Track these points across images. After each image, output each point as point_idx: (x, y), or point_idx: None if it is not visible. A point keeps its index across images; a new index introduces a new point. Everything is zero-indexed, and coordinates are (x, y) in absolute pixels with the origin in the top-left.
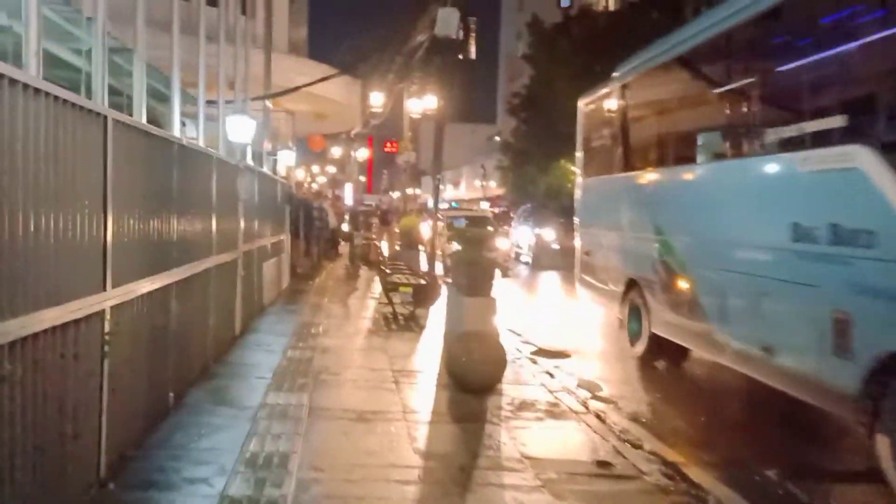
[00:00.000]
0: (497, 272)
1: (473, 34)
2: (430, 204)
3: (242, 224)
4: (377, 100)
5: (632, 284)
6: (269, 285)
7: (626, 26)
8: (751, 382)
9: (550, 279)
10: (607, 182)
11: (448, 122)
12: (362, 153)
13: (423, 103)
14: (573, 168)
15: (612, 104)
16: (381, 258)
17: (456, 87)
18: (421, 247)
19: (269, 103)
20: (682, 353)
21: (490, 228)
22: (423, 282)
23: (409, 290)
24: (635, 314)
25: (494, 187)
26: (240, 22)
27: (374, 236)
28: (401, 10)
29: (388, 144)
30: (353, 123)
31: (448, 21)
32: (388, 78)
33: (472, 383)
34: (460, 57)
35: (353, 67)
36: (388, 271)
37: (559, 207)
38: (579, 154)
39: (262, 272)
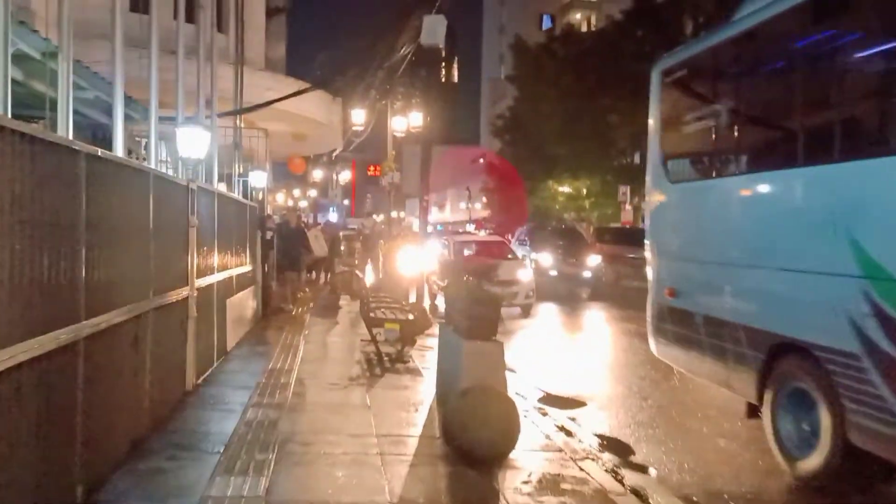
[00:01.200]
0: (517, 310)
1: (455, 57)
2: (415, 226)
3: (195, 256)
4: (359, 117)
5: (787, 354)
6: (235, 324)
7: (612, 45)
8: None
9: (549, 310)
10: (724, 187)
11: (432, 143)
12: (345, 175)
13: (408, 121)
14: (561, 188)
15: (731, 65)
16: (364, 289)
17: (441, 105)
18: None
19: (240, 122)
20: None
21: (510, 257)
22: (410, 317)
23: (396, 326)
24: (797, 405)
25: (480, 209)
26: (209, 36)
27: (356, 263)
28: (384, 27)
29: (372, 168)
30: (335, 144)
31: (434, 29)
32: (370, 95)
33: (477, 454)
34: (443, 80)
35: (329, 82)
36: (371, 304)
37: (558, 229)
38: (655, 149)
39: (224, 310)
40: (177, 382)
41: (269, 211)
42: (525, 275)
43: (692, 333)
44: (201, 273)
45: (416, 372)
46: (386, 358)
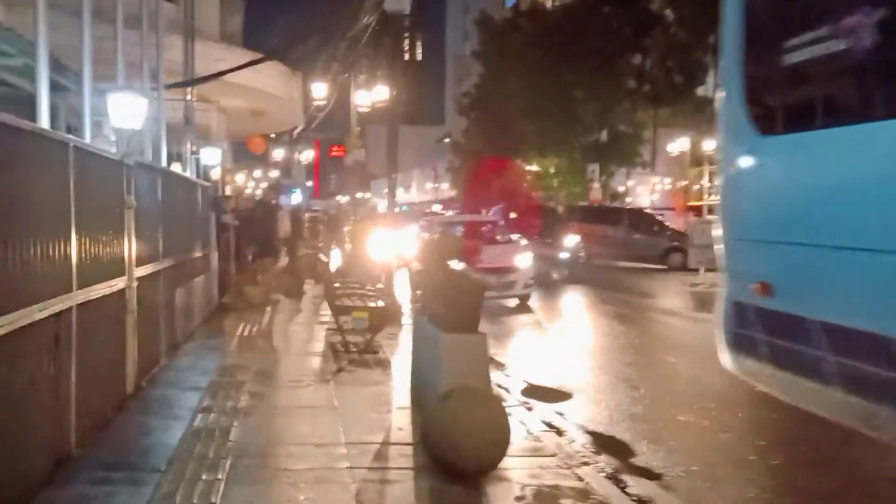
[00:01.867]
0: (514, 301)
1: (420, 36)
2: (381, 207)
3: (133, 242)
4: (320, 91)
5: None
6: (187, 315)
7: (578, 21)
8: None
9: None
10: (864, 137)
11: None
12: (307, 154)
13: (372, 95)
14: (528, 167)
15: None
16: (327, 272)
17: (406, 78)
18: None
19: (192, 96)
20: None
21: (505, 239)
22: (380, 303)
23: (364, 315)
24: None
25: (447, 189)
26: (154, 4)
27: (320, 245)
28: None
29: (335, 148)
30: (296, 121)
31: None
32: (332, 67)
33: (462, 466)
34: (407, 58)
35: (285, 51)
36: (336, 291)
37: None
38: (733, 88)
39: (173, 300)
40: (114, 386)
41: (227, 191)
42: (523, 260)
43: (804, 348)
44: (142, 260)
45: (387, 364)
46: (354, 349)
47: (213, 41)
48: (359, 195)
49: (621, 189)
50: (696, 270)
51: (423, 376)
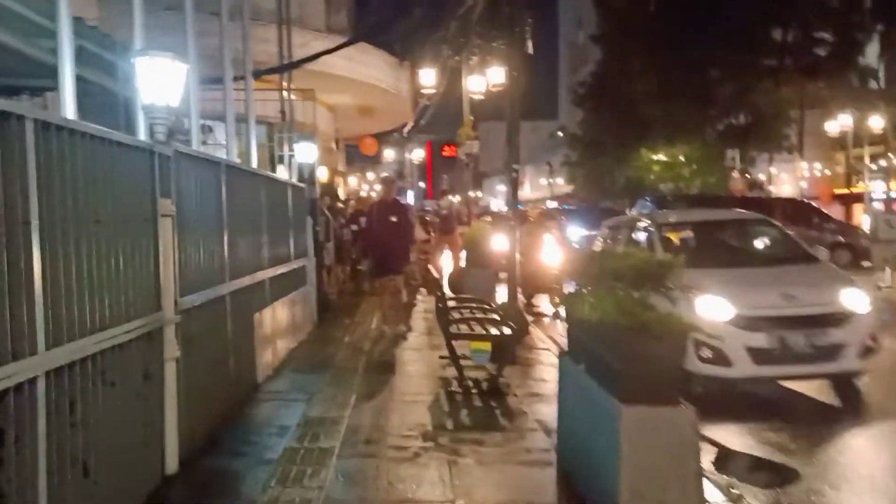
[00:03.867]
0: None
1: (529, 29)
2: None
3: (175, 260)
4: (429, 78)
5: None
6: (271, 344)
7: None
8: None
9: None
10: None
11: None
12: (418, 154)
13: (488, 78)
14: (655, 157)
15: None
16: (438, 284)
17: (524, 55)
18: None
19: (287, 92)
20: None
21: (803, 256)
22: (505, 330)
23: (486, 347)
24: None
25: (562, 185)
26: None
27: (429, 251)
28: None
29: (447, 147)
30: (406, 117)
31: None
32: (442, 52)
33: None
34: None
35: (390, 32)
36: (451, 312)
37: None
38: None
39: (251, 330)
40: (142, 473)
41: (341, 197)
42: (854, 298)
43: None
44: (193, 286)
45: (520, 416)
46: (475, 391)
47: (313, 30)
48: (471, 193)
49: (762, 177)
50: (868, 268)
51: (581, 454)
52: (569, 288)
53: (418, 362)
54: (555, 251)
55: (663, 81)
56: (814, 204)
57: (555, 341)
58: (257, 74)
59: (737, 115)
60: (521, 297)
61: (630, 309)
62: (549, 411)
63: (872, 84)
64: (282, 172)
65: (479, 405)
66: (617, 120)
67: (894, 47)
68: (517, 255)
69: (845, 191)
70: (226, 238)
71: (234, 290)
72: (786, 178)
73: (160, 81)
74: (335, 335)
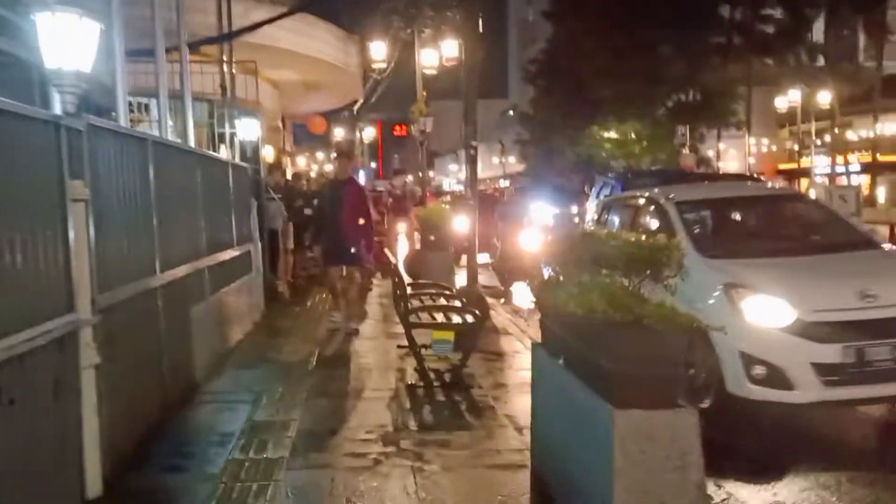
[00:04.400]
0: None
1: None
2: (445, 185)
3: (93, 255)
4: (379, 51)
5: None
6: (212, 339)
7: None
8: None
9: None
10: None
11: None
12: (369, 133)
13: (442, 51)
14: (606, 134)
15: None
16: (395, 268)
17: (476, 25)
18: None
19: (227, 67)
20: None
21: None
22: (468, 318)
23: (449, 336)
24: None
25: (514, 163)
26: None
27: (383, 234)
28: None
29: (398, 127)
30: (355, 94)
31: None
32: (392, 24)
33: None
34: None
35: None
36: (410, 299)
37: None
38: None
39: (188, 325)
40: (57, 501)
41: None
42: None
43: None
44: (115, 278)
45: (487, 412)
46: (438, 384)
47: (255, 0)
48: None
49: (711, 153)
50: None
51: (560, 459)
52: (543, 273)
53: (375, 353)
54: (535, 233)
55: (615, 59)
56: (763, 179)
57: (518, 326)
58: (193, 45)
59: (687, 93)
60: (498, 285)
61: (623, 301)
62: (518, 404)
63: (819, 61)
64: (224, 152)
65: (442, 400)
66: (568, 98)
67: (841, 24)
68: (492, 239)
69: (790, 166)
70: (155, 224)
71: (167, 282)
72: (733, 154)
73: (67, 43)
74: (284, 325)
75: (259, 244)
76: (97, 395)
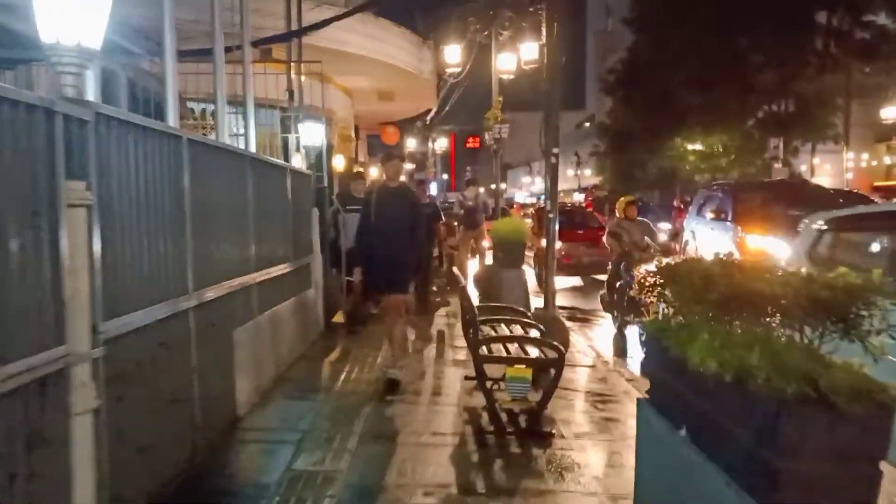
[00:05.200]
0: None
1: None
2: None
3: (95, 272)
4: (453, 55)
5: None
6: (260, 363)
7: None
8: None
9: None
10: None
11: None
12: (441, 144)
13: (521, 54)
14: (691, 146)
15: None
16: (466, 300)
17: (559, 25)
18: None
19: (300, 72)
20: None
21: None
22: (550, 353)
23: (526, 374)
24: None
25: (590, 176)
26: None
27: (453, 249)
28: None
29: (471, 139)
30: (428, 103)
31: None
32: (468, 27)
33: None
34: (542, 41)
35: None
36: (480, 327)
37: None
38: None
39: (231, 350)
40: None
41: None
42: None
43: None
44: (130, 300)
45: (572, 471)
46: (511, 431)
47: (328, 4)
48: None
49: (804, 168)
50: None
51: None
52: (645, 305)
53: (440, 384)
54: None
55: (702, 67)
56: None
57: (597, 353)
58: (256, 43)
59: (780, 103)
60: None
61: (797, 365)
62: (609, 462)
63: None
64: (298, 161)
65: (517, 452)
66: (649, 108)
67: None
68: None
69: (888, 183)
70: (189, 236)
71: (202, 302)
72: (828, 170)
73: (65, 10)
74: (344, 348)
75: (320, 257)
76: (95, 446)
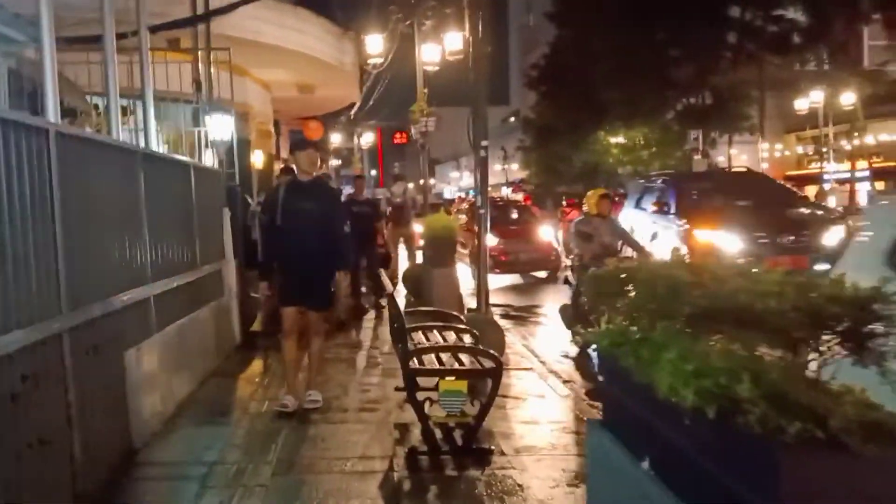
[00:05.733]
0: None
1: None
2: (447, 194)
3: None
4: (375, 45)
5: None
6: (161, 385)
7: None
8: None
9: None
10: None
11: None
12: (367, 138)
13: (445, 44)
14: (614, 139)
15: None
16: (393, 306)
17: (485, 10)
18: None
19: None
20: None
21: None
22: (487, 363)
23: (461, 388)
24: None
25: (517, 170)
26: None
27: (380, 247)
28: None
29: (398, 134)
30: (352, 97)
31: None
32: (391, 16)
33: None
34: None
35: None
36: (410, 334)
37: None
38: None
39: (122, 374)
40: None
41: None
42: None
43: None
44: None
45: (514, 496)
46: (447, 449)
47: None
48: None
49: (721, 159)
50: None
51: None
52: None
53: (366, 396)
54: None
55: (622, 61)
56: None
57: (535, 354)
58: (155, 29)
59: (697, 96)
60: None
61: (796, 396)
62: (554, 481)
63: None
64: (209, 159)
65: (453, 474)
66: (572, 102)
67: (864, 23)
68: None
69: (797, 172)
70: (60, 245)
71: (81, 322)
72: (745, 160)
73: None
74: (263, 360)
75: (233, 262)
76: None
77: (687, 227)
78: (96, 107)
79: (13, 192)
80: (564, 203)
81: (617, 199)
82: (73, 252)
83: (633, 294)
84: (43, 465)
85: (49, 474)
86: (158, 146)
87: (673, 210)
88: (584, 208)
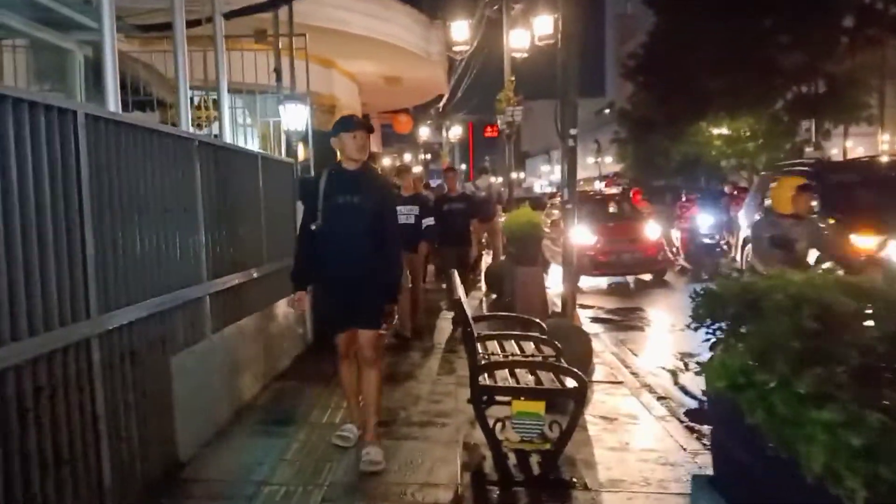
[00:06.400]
0: None
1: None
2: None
3: None
4: (461, 33)
5: None
6: (218, 390)
7: None
8: None
9: None
10: None
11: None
12: (455, 132)
13: (535, 29)
14: (716, 131)
15: None
16: (458, 302)
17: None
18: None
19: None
20: None
21: None
22: (570, 382)
23: (538, 409)
24: None
25: (611, 163)
26: None
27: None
28: None
29: (489, 128)
30: (439, 88)
31: None
32: (478, 2)
33: None
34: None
35: None
36: (483, 342)
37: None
38: None
39: (168, 383)
40: None
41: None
42: None
43: None
44: None
45: None
46: (520, 479)
47: None
48: (514, 175)
49: (835, 151)
50: None
51: None
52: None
53: (436, 406)
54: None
55: (726, 49)
56: None
57: (626, 365)
58: (230, 15)
59: (809, 84)
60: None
61: None
62: None
63: None
64: (300, 152)
65: None
66: (671, 93)
67: None
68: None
69: None
70: (90, 244)
71: (114, 326)
72: (862, 153)
73: None
74: (331, 364)
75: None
76: None
77: (840, 230)
78: (191, 100)
79: (26, 177)
80: (684, 198)
81: (736, 192)
82: (105, 248)
83: (764, 323)
84: (61, 488)
85: (69, 498)
86: (236, 138)
87: (818, 209)
88: (766, 203)
